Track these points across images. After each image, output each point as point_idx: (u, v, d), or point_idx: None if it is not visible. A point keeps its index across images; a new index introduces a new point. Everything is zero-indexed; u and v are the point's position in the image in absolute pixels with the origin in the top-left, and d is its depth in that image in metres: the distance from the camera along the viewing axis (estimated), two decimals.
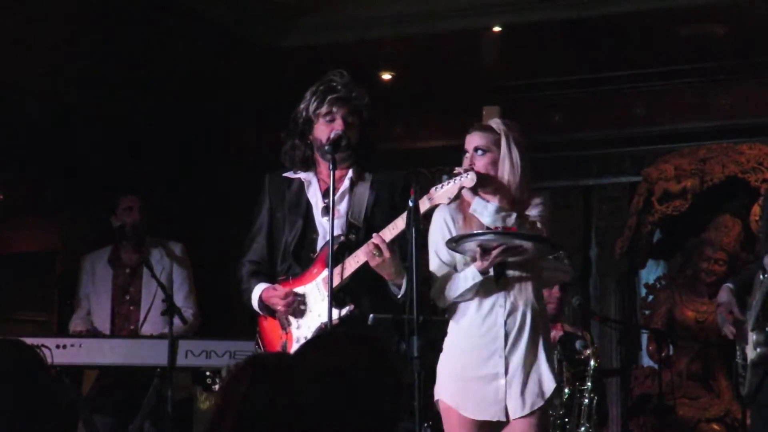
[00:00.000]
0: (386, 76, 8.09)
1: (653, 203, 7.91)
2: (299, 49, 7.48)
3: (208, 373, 4.17)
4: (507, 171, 4.33)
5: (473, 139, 4.38)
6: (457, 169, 4.23)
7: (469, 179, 4.11)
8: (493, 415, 4.21)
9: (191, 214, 8.66)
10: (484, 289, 4.25)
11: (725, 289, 5.34)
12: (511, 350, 4.25)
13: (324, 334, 2.73)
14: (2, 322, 9.76)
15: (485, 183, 4.25)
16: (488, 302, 4.27)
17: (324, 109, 4.45)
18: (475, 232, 4.20)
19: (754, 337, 5.04)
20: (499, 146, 4.34)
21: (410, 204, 3.90)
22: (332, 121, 4.44)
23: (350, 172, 4.50)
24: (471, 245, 4.19)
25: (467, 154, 4.33)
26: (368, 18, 7.29)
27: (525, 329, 4.27)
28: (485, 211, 4.25)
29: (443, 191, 4.13)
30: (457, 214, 4.31)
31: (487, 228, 4.23)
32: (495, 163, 4.32)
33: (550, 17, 7.04)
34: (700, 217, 7.89)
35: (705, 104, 8.02)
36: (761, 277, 4.99)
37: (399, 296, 4.25)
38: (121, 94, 8.15)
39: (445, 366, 4.25)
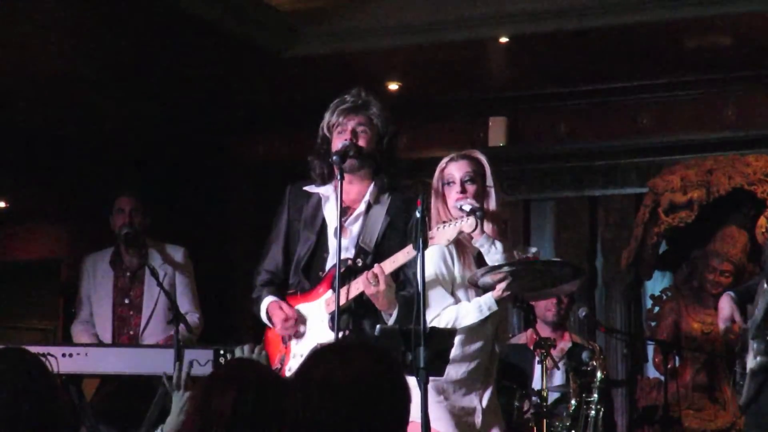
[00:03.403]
0: (393, 86, 8.10)
1: (659, 214, 7.90)
2: (306, 59, 7.49)
3: (222, 352, 4.17)
4: (493, 202, 4.43)
5: (462, 167, 4.46)
6: (465, 205, 4.27)
7: (468, 224, 4.16)
8: None
9: (192, 219, 8.67)
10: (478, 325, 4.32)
11: (726, 298, 5.33)
12: (485, 389, 4.39)
13: (333, 344, 2.72)
14: (8, 330, 9.77)
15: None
16: (478, 342, 4.35)
17: (334, 120, 4.47)
18: (504, 263, 4.29)
19: (755, 345, 5.02)
20: (481, 177, 4.40)
21: (417, 215, 3.90)
22: (343, 132, 4.45)
23: (368, 194, 4.49)
24: (490, 278, 4.24)
25: (453, 183, 4.41)
26: (375, 28, 7.29)
27: (494, 369, 4.47)
28: (492, 248, 4.31)
29: (442, 233, 4.19)
30: (451, 246, 4.37)
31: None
32: (480, 193, 4.40)
33: (556, 28, 7.05)
34: (706, 228, 7.87)
35: (711, 115, 8.02)
36: (765, 286, 4.98)
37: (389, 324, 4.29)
38: (126, 101, 8.17)
39: (436, 395, 4.26)
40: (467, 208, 4.30)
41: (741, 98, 7.96)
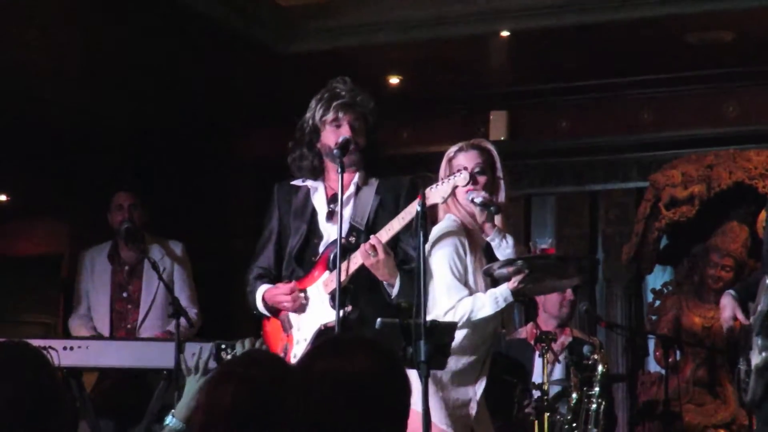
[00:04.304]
0: (393, 80, 8.09)
1: (660, 209, 7.90)
2: (306, 54, 7.49)
3: (223, 346, 4.19)
4: (503, 194, 4.41)
5: (472, 157, 4.42)
6: (478, 198, 4.27)
7: (462, 178, 4.17)
8: None
9: (193, 215, 8.67)
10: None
11: (727, 297, 5.31)
12: (480, 380, 4.38)
13: (332, 339, 2.72)
14: (9, 324, 9.77)
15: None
16: (480, 335, 4.35)
17: (330, 116, 4.47)
18: (521, 257, 4.29)
19: (760, 341, 4.99)
20: (491, 168, 4.39)
21: (418, 209, 3.91)
22: (339, 127, 4.46)
23: (356, 177, 4.52)
24: (506, 270, 4.24)
25: (462, 173, 4.34)
26: (375, 23, 7.29)
27: (489, 361, 4.45)
28: (504, 242, 4.30)
29: (437, 191, 4.19)
30: (463, 236, 4.35)
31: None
32: (490, 184, 4.38)
33: (557, 23, 7.04)
34: (707, 223, 7.88)
35: (712, 110, 8.02)
36: (767, 281, 4.96)
37: (392, 297, 4.30)
38: (127, 96, 8.17)
39: (432, 385, 4.23)
40: (479, 200, 4.28)
41: (742, 93, 7.96)
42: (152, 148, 8.75)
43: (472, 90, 8.34)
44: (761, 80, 7.85)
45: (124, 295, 6.27)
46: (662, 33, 7.20)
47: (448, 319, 4.21)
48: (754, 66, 7.69)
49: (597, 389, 5.60)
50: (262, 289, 4.58)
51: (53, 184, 8.95)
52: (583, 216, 8.49)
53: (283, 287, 4.49)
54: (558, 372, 6.30)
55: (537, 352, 5.97)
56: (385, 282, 4.32)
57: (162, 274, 5.94)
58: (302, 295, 4.46)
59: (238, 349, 4.16)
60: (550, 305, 6.50)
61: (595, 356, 5.67)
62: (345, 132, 4.44)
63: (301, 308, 4.48)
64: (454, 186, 4.18)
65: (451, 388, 4.31)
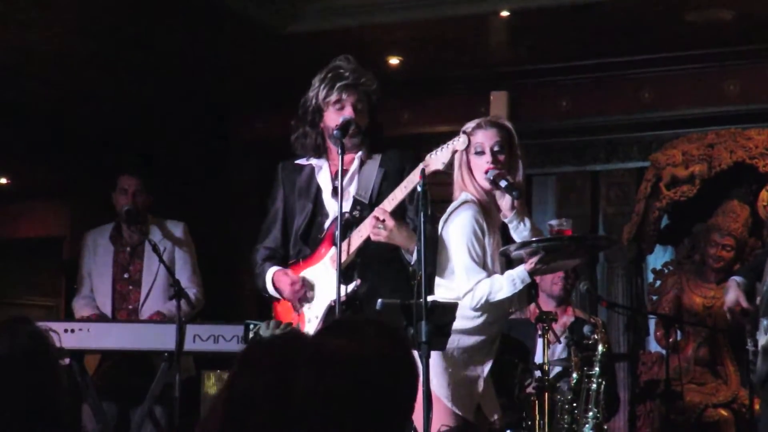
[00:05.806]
0: (394, 61, 8.08)
1: (661, 189, 7.90)
2: (307, 35, 7.47)
3: (252, 326, 4.22)
4: (521, 173, 4.40)
5: (492, 135, 4.38)
6: (502, 181, 4.27)
7: (460, 142, 4.15)
8: (470, 414, 4.34)
9: (194, 197, 8.67)
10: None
11: (732, 284, 5.29)
12: (488, 359, 4.39)
13: (342, 320, 2.71)
14: (10, 306, 9.79)
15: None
16: (497, 315, 4.37)
17: (333, 97, 4.46)
18: (539, 238, 4.29)
19: (765, 322, 4.98)
20: (509, 146, 4.38)
21: (419, 189, 3.91)
22: (342, 108, 4.46)
23: (360, 153, 4.53)
24: (523, 251, 4.24)
25: (482, 152, 4.33)
26: (376, 3, 7.27)
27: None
28: (521, 225, 4.30)
29: (437, 157, 4.18)
30: (480, 216, 4.33)
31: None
32: (509, 163, 4.37)
33: (558, 2, 7.02)
34: (707, 202, 7.88)
35: (713, 90, 8.00)
36: None
37: (411, 263, 4.27)
38: (129, 78, 8.15)
39: (442, 361, 4.27)
40: (503, 184, 4.26)
41: (742, 72, 7.94)
42: (153, 130, 8.75)
43: (473, 70, 8.32)
44: (762, 59, 7.82)
45: (126, 276, 6.29)
46: (662, 11, 7.17)
47: (467, 301, 4.21)
48: (754, 44, 7.67)
49: (597, 369, 5.60)
50: (271, 272, 4.58)
51: (54, 167, 8.95)
52: (584, 196, 8.49)
53: (290, 276, 4.50)
54: (560, 352, 6.30)
55: (539, 332, 5.98)
56: (403, 249, 4.31)
57: (163, 254, 5.95)
58: (306, 287, 4.47)
59: (263, 329, 4.16)
60: (545, 284, 6.51)
61: (596, 336, 5.66)
62: (348, 113, 4.44)
63: (308, 291, 4.48)
64: (454, 151, 4.16)
65: (461, 366, 4.31)
